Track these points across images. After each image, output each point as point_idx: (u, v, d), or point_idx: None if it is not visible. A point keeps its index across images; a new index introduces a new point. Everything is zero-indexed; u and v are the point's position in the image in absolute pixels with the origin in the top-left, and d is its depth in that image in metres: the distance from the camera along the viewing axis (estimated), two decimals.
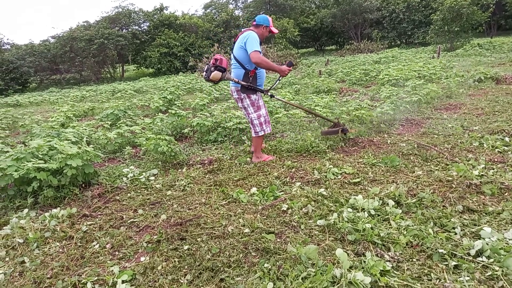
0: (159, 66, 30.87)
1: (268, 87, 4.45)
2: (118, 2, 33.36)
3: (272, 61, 19.01)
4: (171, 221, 2.76)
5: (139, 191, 3.54)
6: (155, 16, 34.78)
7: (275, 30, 4.06)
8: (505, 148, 3.80)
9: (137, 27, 34.00)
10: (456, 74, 9.33)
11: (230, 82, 4.05)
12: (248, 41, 3.69)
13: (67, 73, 30.73)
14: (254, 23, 4.00)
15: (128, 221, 2.86)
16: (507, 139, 4.05)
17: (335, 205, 2.79)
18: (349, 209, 2.62)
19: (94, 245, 2.53)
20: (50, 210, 3.08)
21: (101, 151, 4.99)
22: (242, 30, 4.01)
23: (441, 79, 8.91)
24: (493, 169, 3.25)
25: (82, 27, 31.53)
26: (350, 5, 33.78)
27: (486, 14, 23.09)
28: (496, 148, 3.82)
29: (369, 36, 34.18)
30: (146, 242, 2.49)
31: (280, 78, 4.29)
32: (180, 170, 4.11)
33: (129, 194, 3.46)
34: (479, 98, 6.76)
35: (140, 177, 3.84)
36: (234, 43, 3.97)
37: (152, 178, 3.86)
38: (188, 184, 3.59)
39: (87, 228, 2.77)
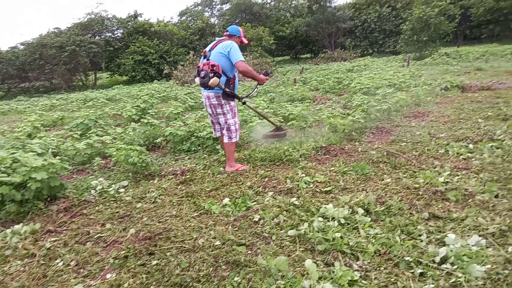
0: (133, 73, 30.36)
1: (245, 95, 4.58)
2: (91, 8, 32.48)
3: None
4: (140, 235, 2.69)
5: (107, 204, 3.44)
6: (129, 23, 34.29)
7: (245, 41, 4.24)
8: (469, 155, 3.94)
9: (110, 34, 33.38)
10: (424, 83, 9.67)
11: (201, 87, 4.05)
12: (233, 50, 3.82)
13: (36, 81, 29.64)
14: (228, 33, 4.12)
15: (95, 236, 2.77)
16: (471, 146, 4.22)
17: (307, 215, 2.80)
18: (320, 219, 2.64)
19: (58, 263, 2.42)
20: (12, 226, 2.93)
21: (69, 163, 4.83)
22: (217, 39, 4.08)
23: (410, 88, 9.20)
24: (458, 175, 3.37)
25: (52, 33, 30.65)
26: (324, 14, 34.51)
27: (453, 25, 24.13)
28: (460, 155, 3.96)
29: (343, 45, 34.98)
30: (113, 258, 2.41)
31: (257, 87, 4.47)
32: (151, 181, 4.04)
33: (97, 208, 3.36)
34: (446, 106, 7.02)
35: (109, 190, 3.74)
36: (210, 50, 3.98)
37: (122, 190, 3.76)
38: (159, 195, 3.52)
39: (51, 245, 2.66)
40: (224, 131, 4.12)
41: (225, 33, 4.15)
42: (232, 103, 4.07)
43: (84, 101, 14.72)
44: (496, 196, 2.88)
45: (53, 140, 5.62)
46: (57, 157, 4.52)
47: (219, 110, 4.05)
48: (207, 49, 4.02)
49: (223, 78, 3.89)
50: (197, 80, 3.88)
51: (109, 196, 3.60)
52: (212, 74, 3.70)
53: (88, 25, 31.84)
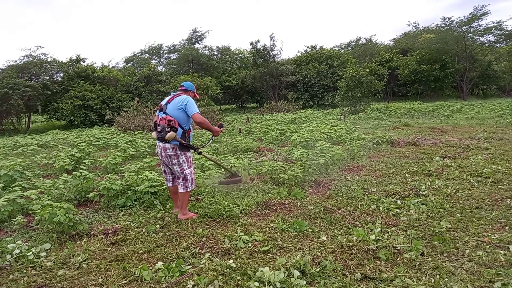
0: (72, 118, 28.95)
1: (200, 145, 4.79)
2: (29, 51, 31.03)
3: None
4: None
5: (24, 271, 3.08)
6: (71, 67, 33.28)
7: (197, 96, 4.60)
8: (398, 210, 4.19)
9: (49, 78, 31.96)
10: (358, 137, 10.36)
11: (157, 140, 4.20)
12: (189, 104, 4.12)
13: None
14: (183, 88, 4.48)
15: None
16: (399, 201, 4.50)
17: (243, 279, 2.73)
18: (256, 283, 2.58)
19: None
20: None
21: None
22: (173, 93, 4.37)
23: (346, 142, 9.80)
24: (388, 232, 3.54)
25: None
26: (268, 68, 36.42)
27: (382, 83, 26.68)
28: (390, 210, 4.20)
29: (286, 97, 36.79)
30: None
31: (212, 138, 4.74)
32: (78, 242, 3.72)
33: (11, 276, 2.99)
34: (377, 160, 7.53)
35: (28, 254, 3.36)
36: (166, 104, 4.23)
37: (43, 254, 3.41)
38: (85, 260, 3.23)
39: None
40: (180, 181, 4.26)
41: (180, 88, 4.48)
42: (188, 153, 4.28)
43: (13, 147, 13.57)
44: (422, 254, 3.05)
45: None
46: None
47: (175, 160, 4.20)
48: (163, 102, 4.30)
49: (180, 131, 4.14)
50: (154, 134, 4.12)
51: (28, 262, 3.23)
52: (169, 128, 3.96)
53: (25, 68, 30.29)
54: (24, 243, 3.66)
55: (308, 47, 43.66)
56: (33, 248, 3.48)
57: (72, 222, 3.88)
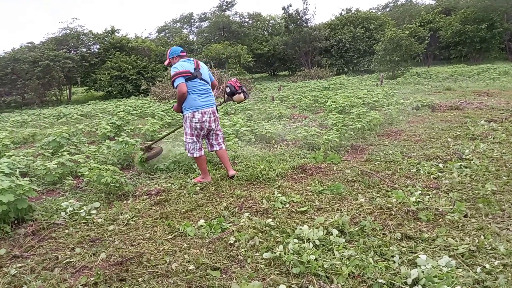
0: (109, 89, 29.93)
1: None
2: (66, 23, 31.87)
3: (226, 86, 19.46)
4: (111, 260, 2.61)
5: (78, 226, 3.32)
6: (106, 38, 33.99)
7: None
8: (439, 174, 4.07)
9: (86, 49, 32.89)
10: (397, 102, 9.99)
11: (209, 103, 4.33)
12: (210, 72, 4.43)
13: (7, 96, 28.68)
14: (185, 53, 4.48)
15: (64, 262, 2.66)
16: (441, 165, 4.36)
17: (282, 236, 2.80)
18: (295, 240, 2.64)
19: None
20: None
21: (38, 183, 4.67)
22: (192, 59, 4.35)
23: (383, 107, 9.48)
24: (429, 195, 3.46)
25: (26, 48, 29.95)
26: (300, 34, 35.35)
27: (423, 46, 25.23)
28: (431, 174, 4.09)
29: (319, 63, 35.82)
30: (82, 285, 2.32)
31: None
32: (125, 202, 3.94)
33: (66, 231, 3.23)
34: (417, 125, 7.27)
35: (80, 211, 3.61)
36: (197, 70, 4.25)
37: (94, 211, 3.65)
38: (133, 217, 3.44)
39: (16, 271, 2.53)
40: (221, 140, 4.53)
41: (183, 53, 4.45)
42: None
43: (58, 117, 14.32)
44: (465, 216, 2.98)
45: (23, 159, 5.42)
46: (26, 178, 4.36)
47: (217, 122, 4.49)
48: (191, 69, 4.18)
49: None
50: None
51: (80, 218, 3.48)
52: (241, 90, 4.50)
53: (63, 40, 31.30)
54: (76, 201, 3.93)
55: (343, 9, 42.08)
56: (84, 207, 3.73)
57: (118, 183, 4.10)
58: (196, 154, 4.35)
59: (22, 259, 2.76)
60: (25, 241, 3.06)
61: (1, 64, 27.47)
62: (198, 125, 4.25)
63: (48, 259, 2.72)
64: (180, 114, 4.54)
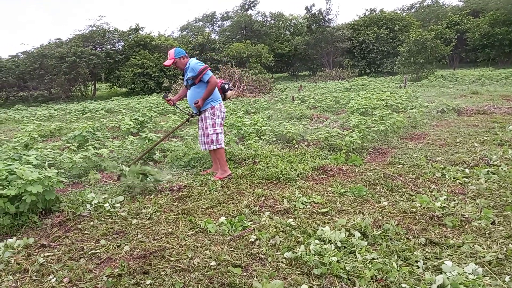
0: (132, 86, 30.46)
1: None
2: (93, 20, 32.66)
3: (247, 85, 19.65)
4: (134, 253, 2.66)
5: (103, 219, 3.40)
6: (130, 36, 34.59)
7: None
8: (466, 179, 3.96)
9: (111, 46, 33.60)
10: (421, 105, 9.77)
11: (220, 100, 4.58)
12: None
13: (35, 90, 29.61)
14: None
15: (89, 253, 2.73)
16: (467, 170, 4.24)
17: (303, 236, 2.79)
18: (316, 241, 2.63)
19: (51, 279, 2.38)
20: (5, 240, 2.89)
21: (65, 175, 4.80)
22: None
23: (407, 109, 9.30)
24: (454, 200, 3.38)
25: (53, 44, 30.83)
26: (323, 34, 35.02)
27: (449, 48, 24.58)
28: (457, 179, 3.98)
29: (341, 64, 35.40)
30: (106, 276, 2.37)
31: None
32: (147, 196, 4.01)
33: (92, 223, 3.32)
34: (442, 129, 7.09)
35: (105, 204, 3.70)
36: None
37: (118, 205, 3.73)
38: (155, 212, 3.50)
39: (44, 260, 2.62)
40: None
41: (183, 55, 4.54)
42: None
43: (83, 112, 14.71)
44: (493, 223, 2.89)
45: (50, 151, 5.60)
46: (53, 169, 4.49)
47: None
48: None
49: None
50: (230, 93, 4.82)
51: (105, 211, 3.57)
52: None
53: (90, 37, 32.05)
54: (101, 194, 4.03)
55: (366, 10, 41.23)
56: (108, 200, 3.82)
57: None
58: (224, 145, 4.62)
59: (49, 249, 2.85)
60: (52, 231, 3.15)
61: (30, 59, 28.36)
62: (224, 115, 4.59)
63: (74, 250, 2.80)
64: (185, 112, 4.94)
